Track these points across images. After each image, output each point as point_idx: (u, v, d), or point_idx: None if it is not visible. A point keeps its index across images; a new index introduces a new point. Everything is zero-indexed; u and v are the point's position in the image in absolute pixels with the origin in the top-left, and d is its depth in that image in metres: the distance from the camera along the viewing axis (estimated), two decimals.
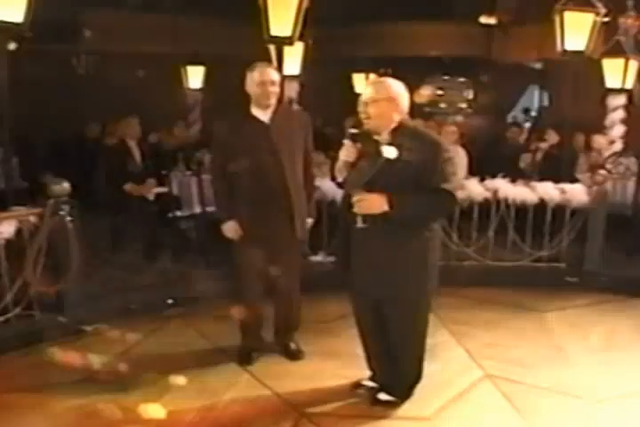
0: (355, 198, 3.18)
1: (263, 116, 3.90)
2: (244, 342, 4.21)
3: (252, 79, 3.85)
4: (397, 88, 3.30)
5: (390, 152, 3.15)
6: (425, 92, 13.75)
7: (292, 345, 4.23)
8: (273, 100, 3.88)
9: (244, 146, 3.86)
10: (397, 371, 3.55)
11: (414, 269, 3.29)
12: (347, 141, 3.28)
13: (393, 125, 3.26)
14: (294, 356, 4.18)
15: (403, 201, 3.14)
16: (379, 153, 3.19)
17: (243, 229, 3.93)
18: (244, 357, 4.13)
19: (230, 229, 3.95)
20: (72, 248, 4.67)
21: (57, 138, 9.41)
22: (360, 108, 3.29)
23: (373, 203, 3.15)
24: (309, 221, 4.17)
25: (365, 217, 3.21)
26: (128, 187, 6.19)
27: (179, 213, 7.03)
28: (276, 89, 3.88)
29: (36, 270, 4.53)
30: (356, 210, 3.20)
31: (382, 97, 3.24)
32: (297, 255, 4.15)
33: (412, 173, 3.14)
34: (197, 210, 6.91)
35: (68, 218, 4.64)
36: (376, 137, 3.27)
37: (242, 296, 4.11)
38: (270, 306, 4.19)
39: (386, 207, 3.13)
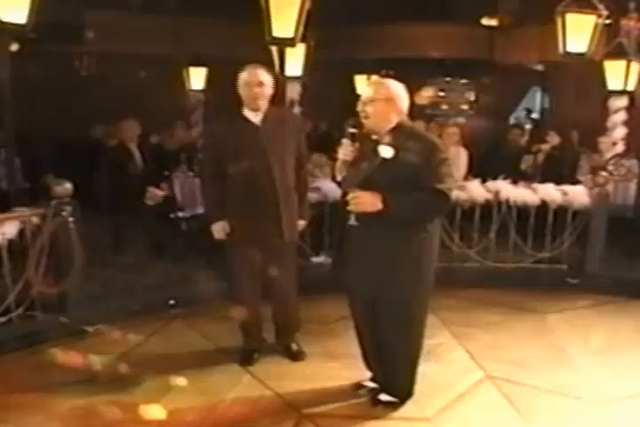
0: (349, 196, 3.20)
1: (255, 117, 3.90)
2: (246, 342, 4.21)
3: (241, 80, 3.86)
4: (396, 89, 3.31)
5: (387, 151, 3.17)
6: (426, 94, 13.76)
7: (294, 346, 4.23)
8: (261, 102, 3.87)
9: (233, 147, 3.87)
10: (393, 371, 3.55)
11: (407, 269, 3.29)
12: (345, 140, 3.28)
13: (391, 125, 3.27)
14: (296, 357, 4.18)
15: (397, 200, 3.15)
16: (376, 152, 3.20)
17: (232, 231, 3.94)
18: (246, 357, 4.14)
19: (219, 229, 3.95)
20: (74, 249, 4.68)
21: (59, 139, 9.42)
22: (359, 108, 3.31)
23: (367, 201, 3.16)
24: (301, 223, 4.15)
25: (359, 215, 3.23)
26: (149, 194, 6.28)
27: (180, 214, 7.03)
28: (265, 90, 3.86)
29: (38, 271, 4.53)
30: (350, 208, 3.22)
31: (380, 97, 3.26)
32: (289, 256, 4.12)
33: (408, 172, 3.15)
34: (199, 211, 6.91)
35: (70, 219, 4.64)
36: (374, 137, 3.29)
37: (238, 297, 4.12)
38: (269, 307, 4.20)
39: (380, 206, 3.14)
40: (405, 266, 3.28)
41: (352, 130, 3.27)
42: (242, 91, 3.87)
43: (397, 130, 3.27)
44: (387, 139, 3.24)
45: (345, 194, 3.29)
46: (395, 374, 3.57)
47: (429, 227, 3.35)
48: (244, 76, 3.86)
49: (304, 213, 4.15)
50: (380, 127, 3.28)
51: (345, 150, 3.27)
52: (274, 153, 3.87)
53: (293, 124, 4.05)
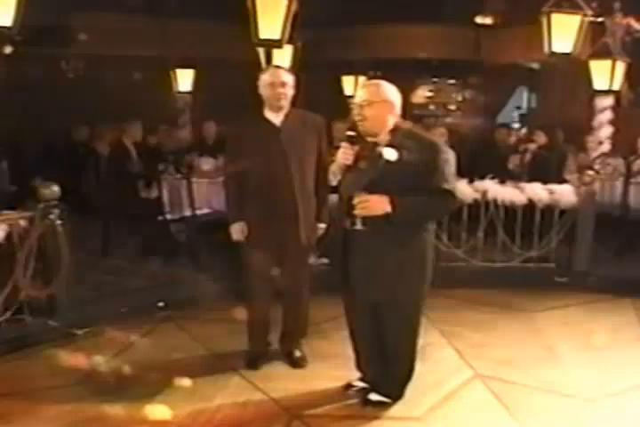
0: (356, 200, 3.15)
1: (275, 118, 3.88)
2: (251, 345, 4.16)
3: (263, 81, 3.85)
4: (392, 90, 3.31)
5: (390, 154, 3.14)
6: (423, 94, 13.86)
7: (297, 353, 4.15)
8: (284, 102, 3.85)
9: (254, 148, 3.85)
10: (392, 371, 3.56)
11: (415, 270, 3.31)
12: (344, 144, 3.25)
13: (389, 127, 3.26)
14: (297, 364, 4.10)
15: (404, 202, 3.12)
16: (375, 155, 3.19)
17: (250, 231, 3.92)
18: (251, 361, 4.08)
19: (237, 230, 3.93)
20: (62, 252, 4.66)
21: (47, 141, 9.38)
22: (355, 111, 3.28)
23: (376, 204, 3.12)
24: (321, 226, 4.07)
25: (365, 219, 3.19)
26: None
27: (168, 217, 7.02)
28: (287, 91, 3.85)
29: (26, 274, 4.52)
30: (357, 212, 3.17)
31: (377, 99, 3.24)
32: (304, 259, 4.07)
33: (412, 174, 3.14)
34: (187, 213, 6.90)
35: (58, 222, 4.63)
36: (371, 139, 3.26)
37: (249, 299, 4.09)
38: (280, 310, 4.16)
39: (388, 208, 3.10)
40: (413, 267, 3.30)
41: (350, 133, 3.25)
42: (264, 91, 3.85)
43: (396, 131, 3.26)
44: (388, 141, 3.22)
45: (346, 198, 3.23)
46: (394, 374, 3.57)
47: (429, 226, 3.38)
48: (266, 77, 3.84)
49: (324, 215, 4.07)
50: (378, 130, 3.26)
51: (346, 154, 3.23)
52: (293, 154, 3.84)
53: (315, 125, 3.98)
